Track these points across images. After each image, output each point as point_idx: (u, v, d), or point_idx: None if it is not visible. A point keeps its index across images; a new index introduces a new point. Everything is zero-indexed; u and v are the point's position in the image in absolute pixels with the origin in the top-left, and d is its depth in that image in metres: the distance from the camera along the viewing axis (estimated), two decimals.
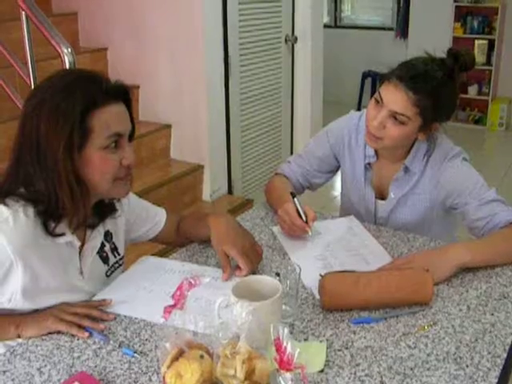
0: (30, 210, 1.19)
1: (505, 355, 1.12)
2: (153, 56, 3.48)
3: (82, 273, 1.32)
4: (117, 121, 1.23)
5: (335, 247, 1.58)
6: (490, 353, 1.13)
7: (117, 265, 1.45)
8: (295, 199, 1.61)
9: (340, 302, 1.27)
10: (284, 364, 0.94)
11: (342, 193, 1.97)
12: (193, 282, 1.38)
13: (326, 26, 4.86)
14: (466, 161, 1.67)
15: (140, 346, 1.16)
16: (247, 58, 3.70)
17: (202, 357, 0.98)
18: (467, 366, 1.09)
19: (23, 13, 2.34)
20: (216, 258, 1.48)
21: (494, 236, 1.52)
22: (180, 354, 0.99)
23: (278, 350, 0.95)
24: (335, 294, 1.27)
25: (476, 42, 6.07)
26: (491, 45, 6.05)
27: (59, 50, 2.26)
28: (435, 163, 1.67)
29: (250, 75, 3.76)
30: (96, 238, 1.36)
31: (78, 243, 1.29)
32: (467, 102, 6.32)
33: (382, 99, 1.56)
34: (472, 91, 6.24)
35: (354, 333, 1.20)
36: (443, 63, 1.57)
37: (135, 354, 1.13)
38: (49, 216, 1.21)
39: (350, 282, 1.28)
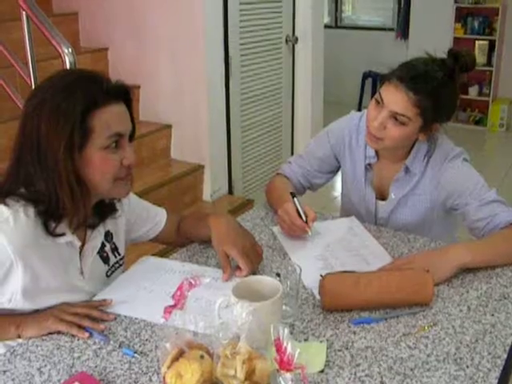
0: (31, 210, 1.19)
1: (505, 356, 1.12)
2: (153, 56, 3.48)
3: (82, 273, 1.32)
4: (117, 121, 1.23)
5: (335, 247, 1.58)
6: (490, 353, 1.13)
7: (117, 265, 1.45)
8: (295, 199, 1.61)
9: (340, 302, 1.27)
10: (284, 364, 0.94)
11: (342, 193, 1.97)
12: (193, 283, 1.38)
13: (326, 27, 4.87)
14: (467, 161, 1.67)
15: (140, 346, 1.16)
16: (248, 58, 3.70)
17: (202, 357, 0.98)
18: (467, 367, 1.09)
19: (24, 13, 2.34)
20: (216, 258, 1.48)
21: (494, 237, 1.52)
22: (180, 354, 0.99)
23: (278, 351, 0.95)
24: (335, 295, 1.27)
25: (476, 42, 6.07)
26: (492, 45, 6.05)
27: (60, 50, 2.26)
28: (436, 164, 1.67)
29: (250, 75, 3.76)
30: (96, 238, 1.36)
31: (78, 243, 1.29)
32: (468, 103, 6.32)
33: (382, 100, 1.56)
34: (472, 92, 6.24)
35: (355, 333, 1.20)
36: (443, 64, 1.57)
37: (135, 355, 1.13)
38: (49, 216, 1.21)
39: (350, 282, 1.28)
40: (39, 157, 1.18)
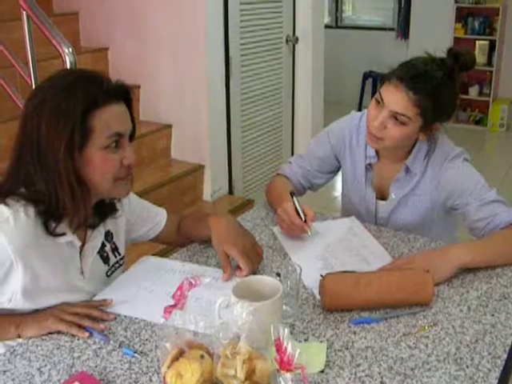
0: (31, 210, 1.19)
1: (505, 356, 1.12)
2: (154, 56, 3.48)
3: (82, 273, 1.32)
4: (117, 121, 1.23)
5: (336, 247, 1.58)
6: (490, 353, 1.13)
7: (117, 265, 1.45)
8: (294, 198, 1.61)
9: (340, 302, 1.27)
10: (284, 364, 0.94)
11: (342, 193, 1.97)
12: (193, 282, 1.38)
13: (326, 27, 4.86)
14: (467, 161, 1.67)
15: (140, 346, 1.16)
16: (248, 59, 3.70)
17: (202, 357, 0.98)
18: (467, 367, 1.09)
19: (24, 12, 2.34)
20: (216, 258, 1.48)
21: (494, 237, 1.52)
22: (180, 354, 0.98)
23: (278, 351, 0.95)
24: (336, 295, 1.27)
25: (477, 42, 6.07)
26: (492, 45, 6.05)
27: (60, 50, 2.26)
28: (436, 164, 1.67)
29: (251, 75, 3.76)
30: (97, 237, 1.36)
31: (78, 243, 1.29)
32: (468, 103, 6.32)
33: (382, 100, 1.56)
34: (473, 92, 6.24)
35: (355, 333, 1.20)
36: (443, 63, 1.57)
37: (135, 354, 1.13)
38: (49, 216, 1.21)
39: (350, 282, 1.28)
40: (39, 157, 1.18)
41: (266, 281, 1.21)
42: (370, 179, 1.80)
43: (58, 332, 1.20)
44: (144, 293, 1.35)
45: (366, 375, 1.07)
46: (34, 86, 2.36)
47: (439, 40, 4.83)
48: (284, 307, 1.20)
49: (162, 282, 1.40)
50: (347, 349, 1.15)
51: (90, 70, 1.31)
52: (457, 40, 6.06)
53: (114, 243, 1.43)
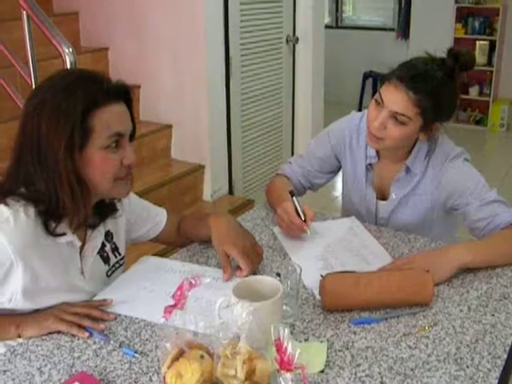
0: (31, 210, 1.19)
1: (505, 356, 1.12)
2: (154, 56, 3.48)
3: (82, 273, 1.32)
4: (118, 121, 1.23)
5: (336, 247, 1.58)
6: (490, 353, 1.13)
7: (117, 265, 1.45)
8: (294, 198, 1.61)
9: (340, 302, 1.27)
10: (284, 364, 0.94)
11: (343, 193, 1.96)
12: (193, 282, 1.38)
13: (327, 27, 4.86)
14: (468, 161, 1.67)
15: (140, 346, 1.16)
16: (248, 59, 3.70)
17: (202, 357, 0.98)
18: (467, 367, 1.09)
19: (24, 12, 2.34)
20: (217, 258, 1.48)
21: (494, 237, 1.52)
22: (180, 354, 0.99)
23: (278, 351, 0.95)
24: (336, 295, 1.27)
25: (477, 42, 6.07)
26: (492, 46, 6.05)
27: (60, 50, 2.26)
28: (436, 164, 1.67)
29: (251, 75, 3.76)
30: (97, 237, 1.36)
31: (78, 243, 1.29)
32: (468, 103, 6.32)
33: (382, 100, 1.56)
34: (473, 92, 6.24)
35: (355, 333, 1.20)
36: (443, 63, 1.57)
37: (136, 354, 1.13)
38: (49, 216, 1.21)
39: (350, 282, 1.28)
40: (39, 156, 1.18)
41: (266, 281, 1.21)
42: (371, 179, 1.80)
43: (58, 332, 1.20)
44: (144, 293, 1.35)
45: (366, 375, 1.07)
46: (34, 86, 2.36)
47: (439, 40, 4.83)
48: (284, 307, 1.20)
49: (162, 282, 1.40)
50: (347, 349, 1.15)
51: (90, 70, 1.31)
52: (457, 40, 6.06)
53: (114, 243, 1.43)
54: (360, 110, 4.38)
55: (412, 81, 1.52)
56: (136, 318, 1.25)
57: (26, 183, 1.21)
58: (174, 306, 1.29)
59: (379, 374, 1.07)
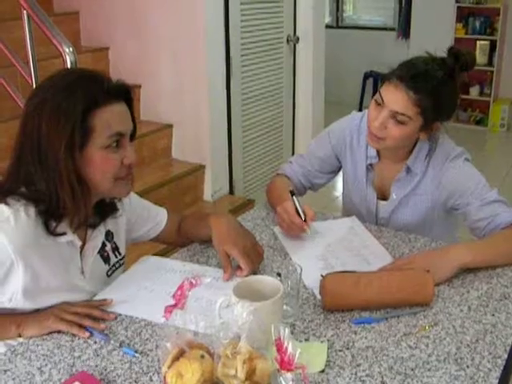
0: (31, 210, 1.19)
1: (505, 356, 1.12)
2: (154, 56, 3.48)
3: (83, 272, 1.32)
4: (118, 120, 1.23)
5: (336, 247, 1.58)
6: (490, 353, 1.13)
7: (118, 264, 1.45)
8: (294, 198, 1.61)
9: (341, 302, 1.27)
10: (285, 364, 0.94)
11: (343, 193, 1.96)
12: (194, 282, 1.38)
13: (327, 27, 4.86)
14: (468, 161, 1.67)
15: (141, 345, 1.16)
16: (249, 58, 3.70)
17: (202, 357, 0.98)
18: (468, 367, 1.09)
19: (25, 12, 2.34)
20: (217, 258, 1.48)
21: (495, 237, 1.52)
22: (181, 353, 0.98)
23: (278, 350, 0.95)
24: (336, 295, 1.27)
25: (478, 42, 6.06)
26: (493, 46, 6.04)
27: (61, 50, 2.26)
28: (437, 163, 1.67)
29: (251, 75, 3.76)
30: (97, 237, 1.36)
31: (79, 243, 1.29)
32: (469, 103, 6.32)
33: (382, 100, 1.56)
34: (473, 92, 6.23)
35: (355, 333, 1.20)
36: (444, 63, 1.57)
37: (136, 354, 1.13)
38: (50, 215, 1.21)
39: (350, 282, 1.28)
40: (40, 156, 1.18)
41: (266, 281, 1.21)
42: (371, 179, 1.80)
43: (59, 331, 1.20)
44: (144, 292, 1.35)
45: (367, 375, 1.07)
46: (34, 86, 2.36)
47: (440, 40, 4.82)
48: (284, 307, 1.20)
49: (163, 281, 1.40)
50: (348, 349, 1.15)
51: (91, 70, 1.31)
52: (457, 40, 6.05)
53: (114, 243, 1.43)
54: (360, 109, 4.38)
55: (412, 80, 1.52)
56: (136, 318, 1.25)
57: (27, 183, 1.21)
58: (175, 305, 1.29)
59: (379, 373, 1.07)
